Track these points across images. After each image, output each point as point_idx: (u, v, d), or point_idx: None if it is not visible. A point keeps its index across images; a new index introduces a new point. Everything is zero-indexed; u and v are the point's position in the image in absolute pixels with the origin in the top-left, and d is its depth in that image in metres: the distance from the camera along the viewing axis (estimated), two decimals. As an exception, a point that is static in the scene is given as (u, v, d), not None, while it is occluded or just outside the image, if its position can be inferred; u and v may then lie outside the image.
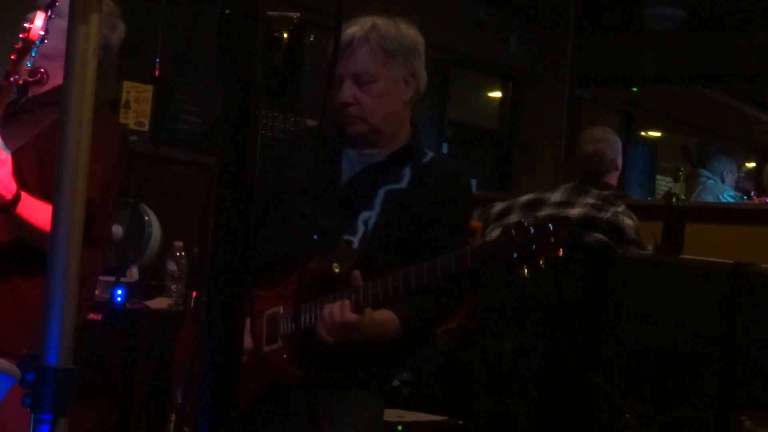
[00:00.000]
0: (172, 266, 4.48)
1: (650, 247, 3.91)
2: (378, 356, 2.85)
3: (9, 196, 2.84)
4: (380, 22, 2.91)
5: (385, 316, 2.75)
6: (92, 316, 3.40)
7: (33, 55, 2.83)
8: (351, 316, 2.64)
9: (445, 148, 9.09)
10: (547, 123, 8.86)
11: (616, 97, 10.72)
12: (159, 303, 4.43)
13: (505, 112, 9.82)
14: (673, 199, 3.80)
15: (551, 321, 3.88)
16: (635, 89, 10.40)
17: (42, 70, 2.85)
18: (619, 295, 3.75)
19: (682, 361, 3.60)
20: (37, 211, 2.92)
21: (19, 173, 2.90)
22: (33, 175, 2.95)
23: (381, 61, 2.87)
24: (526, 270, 2.48)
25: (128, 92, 5.16)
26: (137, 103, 5.16)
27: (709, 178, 6.57)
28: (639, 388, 3.63)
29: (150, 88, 5.24)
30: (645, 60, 9.61)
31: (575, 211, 3.88)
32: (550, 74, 8.88)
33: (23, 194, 2.87)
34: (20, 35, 2.78)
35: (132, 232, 4.50)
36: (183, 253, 4.45)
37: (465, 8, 8.73)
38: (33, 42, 2.77)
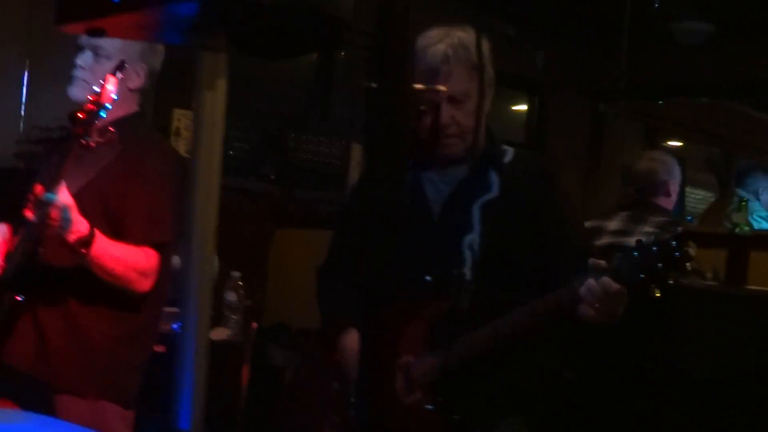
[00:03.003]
0: (230, 296, 4.48)
1: (709, 275, 3.91)
2: (526, 378, 2.76)
3: (85, 231, 2.87)
4: (460, 34, 2.79)
5: None
6: (156, 348, 3.42)
7: (102, 116, 2.86)
8: (615, 286, 2.46)
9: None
10: (572, 137, 8.88)
11: (640, 110, 10.72)
12: (218, 334, 4.44)
13: (531, 126, 9.83)
14: (736, 229, 3.81)
15: (609, 351, 3.88)
16: (660, 102, 10.40)
17: (112, 129, 2.87)
18: (679, 326, 3.75)
19: (741, 391, 3.60)
20: (115, 250, 2.94)
21: (83, 214, 2.92)
22: (97, 215, 2.97)
23: (472, 77, 2.76)
24: (657, 291, 2.43)
25: (179, 120, 5.17)
26: (188, 131, 5.18)
27: (742, 197, 6.51)
28: (697, 418, 3.64)
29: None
30: (671, 73, 9.62)
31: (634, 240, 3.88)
32: (575, 88, 8.91)
33: (97, 232, 2.90)
34: (90, 96, 2.81)
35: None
36: (241, 283, 4.46)
37: (492, 23, 8.76)
38: (104, 105, 2.80)
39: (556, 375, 3.04)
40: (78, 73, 3.15)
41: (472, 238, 2.71)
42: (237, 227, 5.20)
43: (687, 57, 9.28)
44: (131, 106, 3.19)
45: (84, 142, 2.81)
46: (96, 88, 2.80)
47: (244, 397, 3.95)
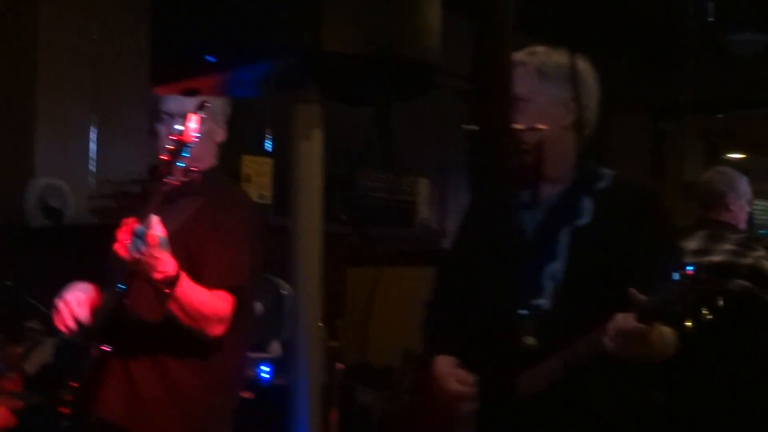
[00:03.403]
0: (313, 338, 4.50)
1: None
2: (615, 405, 2.67)
3: (172, 272, 2.90)
4: (541, 48, 2.71)
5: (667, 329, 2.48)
6: (244, 394, 3.45)
7: (185, 155, 2.90)
8: (636, 325, 2.35)
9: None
10: (633, 155, 8.84)
11: (700, 125, 10.67)
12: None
13: (589, 146, 9.79)
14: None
15: (700, 371, 3.85)
16: (720, 115, 10.34)
17: (194, 169, 2.90)
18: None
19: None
20: (195, 291, 2.98)
21: None
22: (180, 265, 3.00)
23: (536, 83, 2.61)
24: (690, 323, 2.29)
25: (248, 166, 5.24)
26: (258, 177, 5.24)
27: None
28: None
29: (268, 160, 5.32)
30: (729, 86, 9.57)
31: (715, 259, 3.86)
32: (633, 106, 8.89)
33: (182, 274, 2.93)
34: (172, 136, 2.85)
35: (271, 307, 4.55)
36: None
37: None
38: (187, 144, 2.83)
39: (646, 399, 2.98)
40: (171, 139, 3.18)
41: (556, 267, 2.61)
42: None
43: (743, 69, 9.22)
44: (212, 160, 3.25)
45: (167, 181, 2.85)
46: (179, 127, 2.84)
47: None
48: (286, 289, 4.56)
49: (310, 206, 1.88)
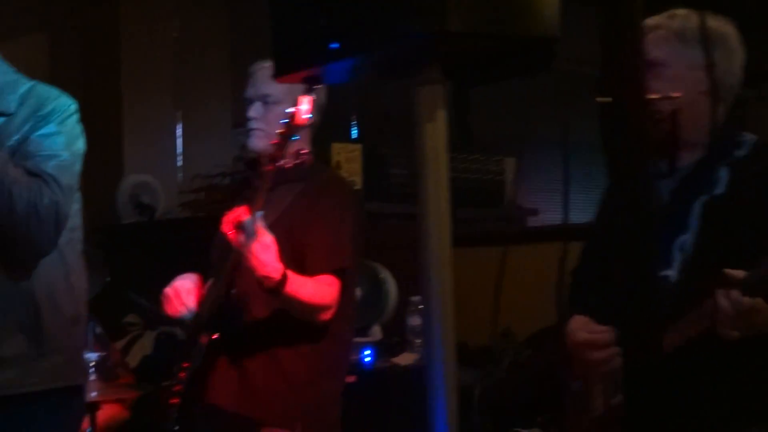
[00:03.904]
0: (414, 321, 4.53)
1: None
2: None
3: (277, 276, 2.92)
4: (681, 11, 2.61)
5: None
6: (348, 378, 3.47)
7: (295, 138, 2.92)
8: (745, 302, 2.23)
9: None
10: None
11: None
12: (405, 359, 4.49)
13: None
14: None
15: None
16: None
17: (304, 151, 2.92)
18: None
19: None
20: (301, 287, 3.00)
21: None
22: (284, 250, 3.02)
23: (675, 47, 2.52)
24: None
25: (338, 153, 5.27)
26: (348, 163, 5.27)
27: None
28: None
29: (358, 146, 5.35)
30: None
31: None
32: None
33: (288, 273, 2.95)
34: (283, 120, 2.86)
35: (370, 291, 4.58)
36: (421, 307, 4.50)
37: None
38: (299, 126, 2.85)
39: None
40: (253, 124, 3.20)
41: (685, 238, 2.51)
42: (406, 253, 5.23)
43: None
44: (307, 144, 3.26)
45: (279, 163, 2.86)
46: (290, 109, 2.85)
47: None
48: (383, 273, 4.59)
49: (437, 188, 1.90)
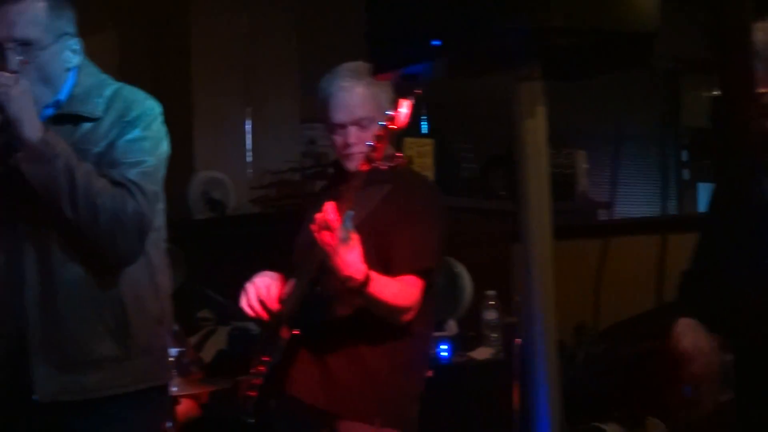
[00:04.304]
0: (489, 315, 4.52)
1: None
2: None
3: (360, 277, 2.93)
4: None
5: None
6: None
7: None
8: None
9: (685, 156, 8.95)
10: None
11: None
12: (481, 353, 4.48)
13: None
14: None
15: None
16: None
17: (399, 154, 2.91)
18: None
19: None
20: (385, 287, 3.01)
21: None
22: (369, 250, 3.03)
23: None
24: None
25: (410, 148, 5.26)
26: (420, 158, 5.26)
27: None
28: None
29: (430, 141, 5.35)
30: None
31: None
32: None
33: (372, 274, 2.96)
34: (382, 122, 2.85)
35: (445, 286, 4.58)
36: (496, 302, 4.50)
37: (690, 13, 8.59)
38: (398, 129, 2.84)
39: None
40: (352, 149, 3.19)
41: None
42: (478, 247, 5.23)
43: None
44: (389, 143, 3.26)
45: (374, 165, 2.85)
46: (389, 112, 2.84)
47: (517, 413, 3.98)
48: (458, 268, 4.59)
49: (538, 184, 1.90)
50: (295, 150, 6.66)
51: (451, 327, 4.58)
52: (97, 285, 2.74)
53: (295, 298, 3.15)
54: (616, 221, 6.93)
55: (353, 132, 3.16)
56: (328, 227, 2.87)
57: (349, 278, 2.91)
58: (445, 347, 4.35)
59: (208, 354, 5.20)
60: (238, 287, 3.25)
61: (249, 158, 6.48)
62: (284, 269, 3.32)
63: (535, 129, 1.90)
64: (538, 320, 1.85)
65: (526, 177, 1.89)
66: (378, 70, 1.95)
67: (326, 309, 3.16)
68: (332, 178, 3.41)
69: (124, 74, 5.65)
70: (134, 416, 2.83)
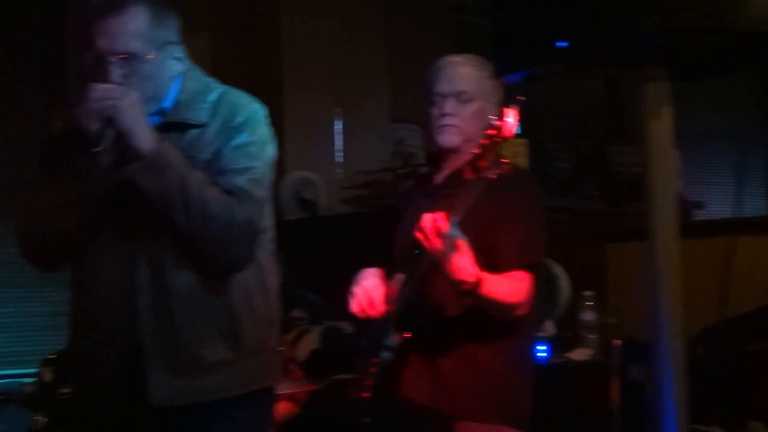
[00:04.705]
0: (586, 316, 4.50)
1: None
2: None
3: (472, 280, 2.93)
4: None
5: None
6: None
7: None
8: None
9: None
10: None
11: None
12: (579, 354, 4.46)
13: None
14: None
15: None
16: None
17: (505, 161, 2.90)
18: None
19: None
20: (496, 286, 3.00)
21: None
22: (474, 248, 3.02)
23: None
24: None
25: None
26: (513, 158, 5.23)
27: None
28: None
29: (523, 141, 5.33)
30: None
31: None
32: None
33: (483, 275, 2.95)
34: (488, 131, 2.85)
35: (542, 287, 4.57)
36: (593, 303, 4.48)
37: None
38: (505, 138, 2.83)
39: None
40: (447, 120, 3.22)
41: None
42: (572, 248, 5.21)
43: None
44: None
45: (483, 175, 2.85)
46: (495, 123, 2.84)
47: (616, 414, 3.96)
48: (555, 268, 4.58)
49: (664, 185, 1.89)
50: (384, 150, 6.69)
51: (549, 327, 4.57)
52: (209, 290, 2.76)
53: (402, 299, 3.17)
54: (738, 220, 6.87)
55: (451, 103, 3.17)
56: (437, 234, 2.88)
57: (462, 282, 2.92)
58: (543, 348, 4.34)
59: (301, 353, 5.24)
60: (330, 287, 3.27)
61: (339, 158, 6.52)
62: (381, 267, 3.33)
63: (661, 129, 1.90)
64: (663, 320, 1.84)
65: (651, 178, 1.89)
66: (501, 70, 1.96)
67: (435, 311, 3.17)
68: (425, 174, 3.41)
69: (216, 77, 5.70)
70: (245, 418, 2.85)
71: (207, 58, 6.41)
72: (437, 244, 2.88)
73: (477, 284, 2.93)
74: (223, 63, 6.29)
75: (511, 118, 2.80)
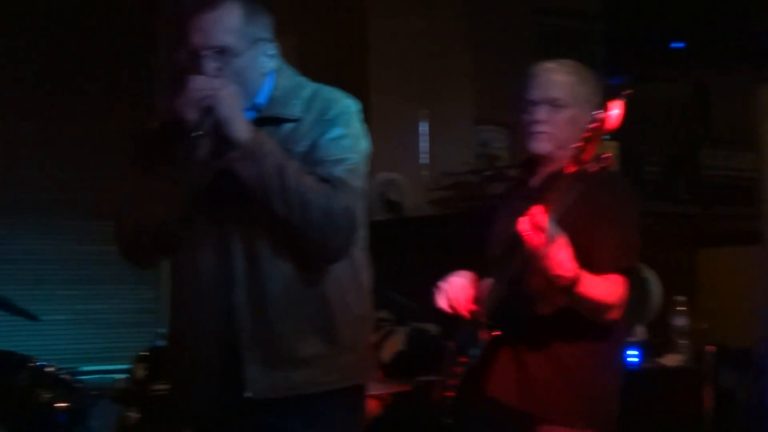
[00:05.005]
0: (679, 321, 4.45)
1: None
2: None
3: (571, 275, 2.90)
4: None
5: None
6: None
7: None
8: None
9: None
10: None
11: None
12: (671, 360, 4.41)
13: None
14: None
15: None
16: None
17: (606, 155, 2.87)
18: None
19: None
20: (593, 285, 2.97)
21: None
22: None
23: None
24: None
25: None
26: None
27: None
28: None
29: (614, 144, 5.27)
30: None
31: None
32: None
33: (581, 272, 2.93)
34: (591, 125, 2.82)
35: (634, 290, 4.52)
36: (685, 308, 4.42)
37: None
38: (607, 131, 2.80)
39: None
40: (538, 127, 3.19)
41: None
42: (663, 252, 5.14)
43: None
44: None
45: (581, 167, 2.83)
46: (598, 115, 2.81)
47: (708, 422, 3.91)
48: (646, 272, 4.53)
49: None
50: (468, 152, 6.66)
51: (640, 332, 4.52)
52: (304, 283, 2.78)
53: (493, 298, 3.16)
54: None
55: (544, 110, 3.15)
56: (537, 228, 2.86)
57: (560, 277, 2.89)
58: (634, 353, 4.30)
59: (386, 355, 5.24)
60: (415, 288, 3.27)
61: (423, 160, 6.51)
62: (470, 269, 3.32)
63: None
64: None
65: (765, 181, 1.85)
66: (611, 70, 1.93)
67: (526, 309, 3.15)
68: (520, 178, 3.40)
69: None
70: (337, 414, 2.86)
71: (294, 61, 6.38)
72: (537, 238, 2.87)
73: (575, 280, 2.90)
74: (309, 65, 6.23)
75: (616, 110, 2.77)
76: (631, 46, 1.91)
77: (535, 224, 2.85)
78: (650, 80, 2.04)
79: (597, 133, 2.80)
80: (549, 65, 3.19)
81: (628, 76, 2.79)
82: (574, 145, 2.85)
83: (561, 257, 2.88)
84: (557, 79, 3.16)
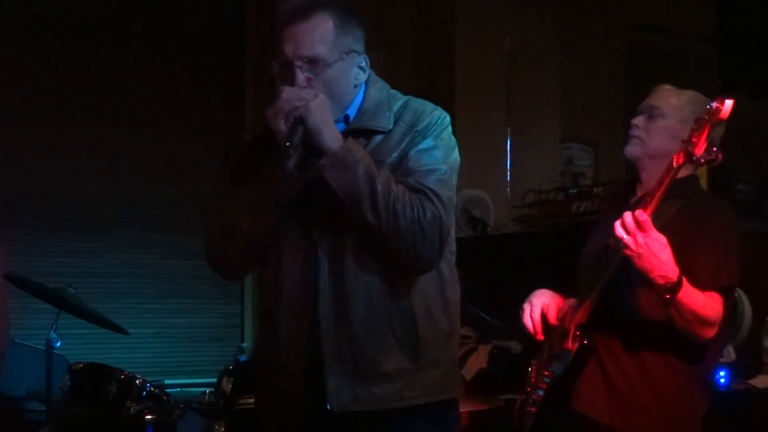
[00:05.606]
0: (768, 342, 4.37)
1: None
2: None
3: (674, 277, 2.86)
4: None
5: None
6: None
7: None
8: None
9: None
10: None
11: None
12: (762, 381, 4.32)
13: None
14: None
15: None
16: None
17: (717, 150, 2.83)
18: None
19: None
20: (694, 294, 2.92)
21: None
22: None
23: None
24: None
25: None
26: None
27: None
28: None
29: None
30: None
31: None
32: None
33: (684, 278, 2.89)
34: (700, 117, 2.79)
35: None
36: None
37: None
38: (720, 120, 2.77)
39: None
40: (633, 132, 3.22)
41: None
42: (756, 271, 5.03)
43: None
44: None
45: (695, 159, 2.79)
46: (713, 105, 2.78)
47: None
48: (737, 292, 4.44)
49: None
50: (553, 169, 6.62)
51: (730, 353, 4.44)
52: (389, 297, 2.77)
53: (582, 313, 3.13)
54: None
55: (642, 117, 3.21)
56: (637, 228, 2.84)
57: (663, 277, 2.86)
58: (723, 374, 4.22)
59: (469, 372, 5.21)
60: (498, 306, 3.25)
61: (508, 177, 6.48)
62: (554, 288, 3.30)
63: None
64: None
65: None
66: (728, 86, 1.89)
67: (619, 323, 3.12)
68: (622, 195, 3.41)
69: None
70: (424, 429, 2.84)
71: (381, 77, 6.46)
72: (637, 240, 2.84)
73: (678, 284, 2.87)
74: (397, 81, 6.28)
75: (729, 102, 2.74)
76: (743, 66, 1.89)
77: (636, 226, 2.83)
78: (762, 99, 2.02)
79: (710, 122, 2.77)
80: (667, 87, 3.27)
81: (737, 96, 2.75)
82: (685, 137, 2.83)
83: (663, 256, 2.86)
84: (663, 94, 3.23)
